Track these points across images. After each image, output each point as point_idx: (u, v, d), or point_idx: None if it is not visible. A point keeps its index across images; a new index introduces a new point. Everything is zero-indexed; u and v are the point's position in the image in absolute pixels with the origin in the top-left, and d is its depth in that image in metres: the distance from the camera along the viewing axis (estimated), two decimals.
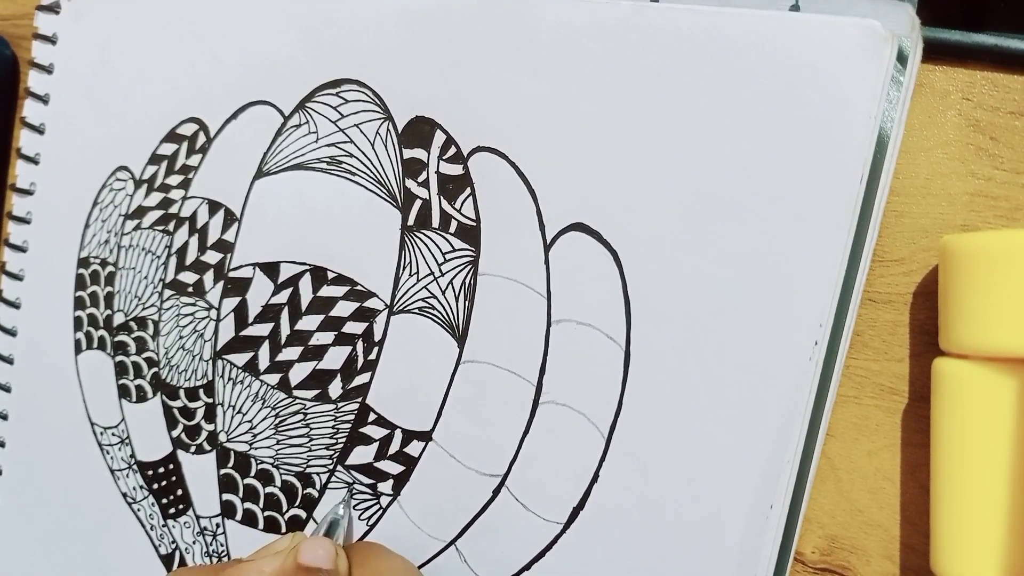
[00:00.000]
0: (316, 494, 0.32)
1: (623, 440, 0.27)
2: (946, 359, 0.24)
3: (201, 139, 0.34)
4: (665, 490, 0.26)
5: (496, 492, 0.29)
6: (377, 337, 0.31)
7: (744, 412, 0.25)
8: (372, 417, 0.31)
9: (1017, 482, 0.23)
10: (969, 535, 0.23)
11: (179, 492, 0.34)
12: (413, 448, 0.30)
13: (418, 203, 0.30)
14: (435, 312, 0.30)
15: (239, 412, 0.33)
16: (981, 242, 0.23)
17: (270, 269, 0.32)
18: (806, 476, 0.25)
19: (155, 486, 0.35)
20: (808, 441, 0.25)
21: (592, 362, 0.27)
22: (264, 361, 0.32)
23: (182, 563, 0.34)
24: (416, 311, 0.30)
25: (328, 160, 0.31)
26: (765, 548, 0.25)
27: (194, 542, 0.34)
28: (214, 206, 0.33)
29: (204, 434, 0.33)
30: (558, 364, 0.28)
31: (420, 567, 0.30)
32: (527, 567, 0.29)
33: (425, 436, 0.30)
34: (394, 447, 0.30)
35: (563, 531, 0.28)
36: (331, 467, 0.31)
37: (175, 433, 0.34)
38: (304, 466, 0.32)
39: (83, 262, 0.36)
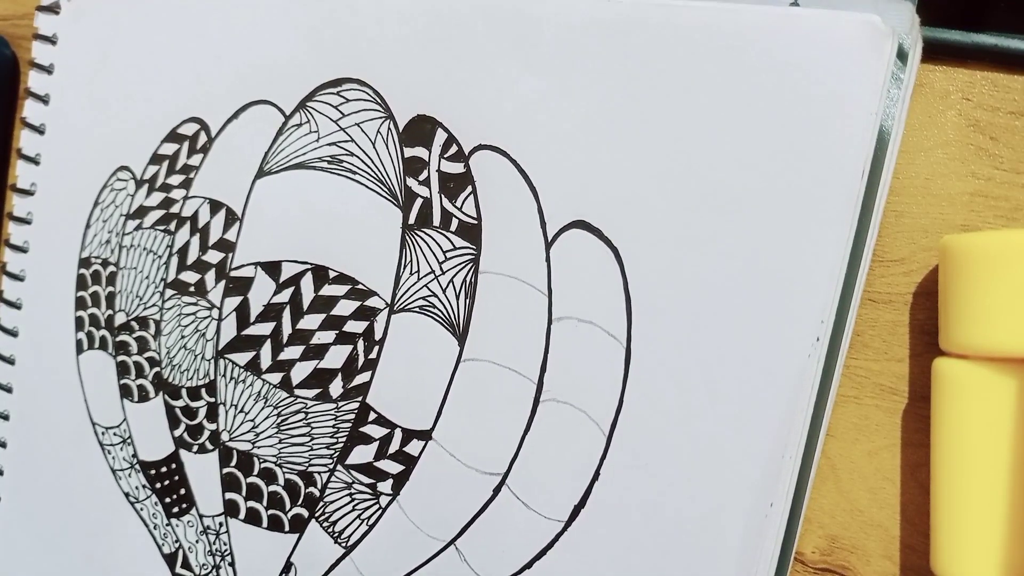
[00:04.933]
0: (317, 493, 0.32)
1: (624, 438, 0.27)
2: (946, 359, 0.24)
3: (202, 139, 0.34)
4: (666, 487, 0.26)
5: (496, 491, 0.29)
6: (378, 336, 0.31)
7: (745, 409, 0.25)
8: (372, 416, 0.31)
9: (1017, 482, 0.23)
10: (969, 535, 0.23)
11: (182, 491, 0.34)
12: (413, 447, 0.30)
13: (419, 202, 0.30)
14: (436, 311, 0.30)
15: (241, 411, 0.33)
16: (981, 242, 0.23)
17: (272, 268, 0.32)
18: (807, 475, 0.25)
19: (158, 485, 0.35)
20: (809, 439, 0.25)
21: (593, 360, 0.27)
22: (266, 360, 0.32)
23: (185, 562, 0.34)
24: (417, 310, 0.30)
25: (329, 159, 0.32)
26: (766, 546, 0.25)
27: (197, 541, 0.34)
28: (215, 205, 0.33)
29: (206, 433, 0.34)
30: (559, 362, 0.28)
31: (419, 567, 0.30)
32: (528, 566, 0.29)
33: (425, 435, 0.30)
34: (394, 446, 0.31)
35: (564, 529, 0.28)
36: (331, 467, 0.32)
37: (177, 432, 0.34)
38: (307, 465, 0.32)
39: (84, 262, 0.36)
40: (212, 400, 0.33)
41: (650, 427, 0.27)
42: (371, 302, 0.31)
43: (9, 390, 0.38)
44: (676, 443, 0.26)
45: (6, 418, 0.38)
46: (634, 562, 0.27)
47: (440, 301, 0.30)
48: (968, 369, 0.23)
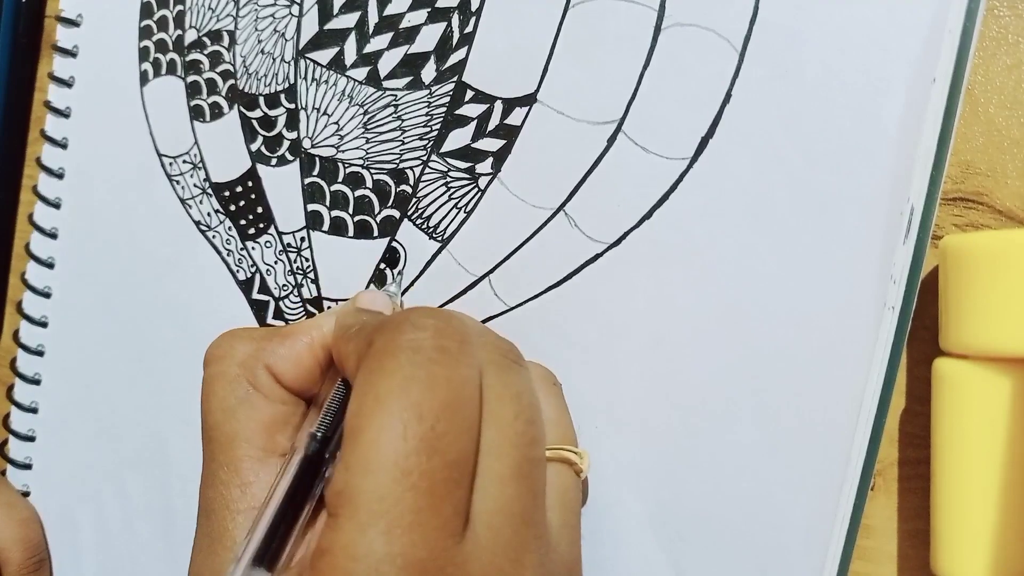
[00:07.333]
0: (410, 190, 0.30)
1: (759, 50, 0.25)
2: (946, 359, 0.24)
3: None
4: (808, 93, 0.25)
5: (611, 140, 0.27)
6: (475, 6, 0.29)
7: None
8: (469, 95, 0.29)
9: (1017, 482, 0.23)
10: (969, 535, 0.23)
11: (259, 210, 0.32)
12: (515, 117, 0.28)
13: None
14: None
15: (324, 114, 0.31)
16: (981, 242, 0.23)
17: None
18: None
19: (232, 207, 0.33)
20: None
21: None
22: (351, 55, 0.31)
23: (263, 286, 0.32)
24: None
25: None
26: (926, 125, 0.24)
27: (276, 262, 0.32)
28: None
29: (286, 143, 0.32)
30: None
31: (523, 244, 0.29)
32: (648, 215, 0.27)
33: (529, 99, 0.28)
34: (493, 122, 0.29)
35: (689, 166, 0.26)
36: (425, 158, 0.30)
37: (254, 146, 0.32)
38: (397, 162, 0.30)
39: None
40: (292, 106, 0.32)
41: (788, 34, 0.25)
42: None
43: (64, 146, 0.36)
44: (817, 47, 0.25)
45: (61, 177, 0.36)
46: (773, 181, 0.25)
47: None
48: (968, 369, 0.23)
